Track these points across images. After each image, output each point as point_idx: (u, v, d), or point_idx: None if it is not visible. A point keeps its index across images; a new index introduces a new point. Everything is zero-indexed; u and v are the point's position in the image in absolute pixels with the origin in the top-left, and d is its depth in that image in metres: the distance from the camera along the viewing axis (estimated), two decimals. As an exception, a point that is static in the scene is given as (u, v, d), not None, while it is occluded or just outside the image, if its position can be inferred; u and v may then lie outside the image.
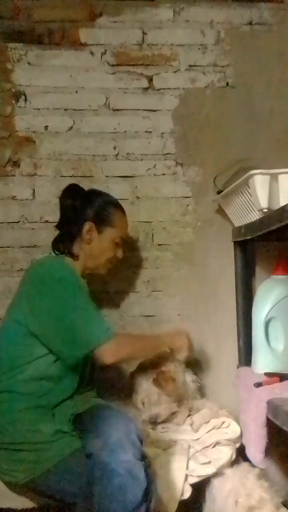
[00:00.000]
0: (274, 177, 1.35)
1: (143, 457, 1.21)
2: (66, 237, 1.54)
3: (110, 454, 1.15)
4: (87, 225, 1.51)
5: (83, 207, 1.53)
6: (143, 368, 1.53)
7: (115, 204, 1.57)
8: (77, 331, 1.32)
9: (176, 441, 1.39)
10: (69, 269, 1.44)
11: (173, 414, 1.47)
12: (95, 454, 1.17)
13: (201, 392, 1.67)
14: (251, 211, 1.48)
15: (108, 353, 1.32)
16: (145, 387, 1.48)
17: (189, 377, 1.57)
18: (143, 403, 1.47)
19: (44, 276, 1.40)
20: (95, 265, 1.55)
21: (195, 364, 1.74)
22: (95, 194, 1.57)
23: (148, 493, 1.16)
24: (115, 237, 1.54)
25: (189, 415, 1.49)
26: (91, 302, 1.41)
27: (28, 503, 1.32)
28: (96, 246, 1.52)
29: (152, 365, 1.51)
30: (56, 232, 1.61)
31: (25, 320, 1.36)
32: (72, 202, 1.54)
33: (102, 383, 1.60)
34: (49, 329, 1.34)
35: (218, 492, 1.32)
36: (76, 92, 1.78)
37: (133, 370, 1.55)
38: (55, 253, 1.54)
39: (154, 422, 1.46)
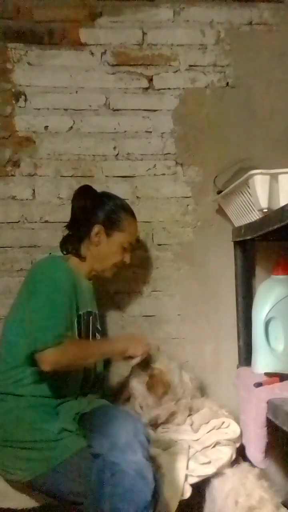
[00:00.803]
0: (274, 177, 1.35)
1: (151, 457, 1.22)
2: (74, 237, 1.54)
3: (120, 454, 1.16)
4: (96, 228, 1.50)
5: (93, 209, 1.52)
6: (138, 372, 1.52)
7: (126, 209, 1.56)
8: (33, 328, 1.31)
9: (176, 441, 1.39)
10: (64, 270, 1.43)
11: (173, 414, 1.47)
12: (104, 455, 1.17)
13: (201, 392, 1.67)
14: (251, 211, 1.48)
15: (46, 359, 1.28)
16: (141, 391, 1.49)
17: (187, 376, 1.57)
18: (141, 407, 1.47)
19: (38, 276, 1.42)
20: (101, 268, 1.54)
21: (195, 364, 1.75)
22: (106, 197, 1.57)
23: (155, 493, 1.16)
24: (124, 241, 1.54)
25: (189, 415, 1.49)
26: (64, 306, 1.36)
27: (28, 503, 1.32)
28: (104, 249, 1.52)
29: (144, 367, 1.51)
30: (57, 233, 1.61)
31: (24, 318, 1.36)
32: (83, 203, 1.53)
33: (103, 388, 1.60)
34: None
35: (218, 492, 1.32)
36: (76, 92, 1.78)
37: (128, 375, 1.55)
38: (63, 253, 1.53)
39: (155, 424, 1.46)
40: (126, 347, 1.43)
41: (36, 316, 1.32)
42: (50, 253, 1.62)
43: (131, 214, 1.58)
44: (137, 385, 1.50)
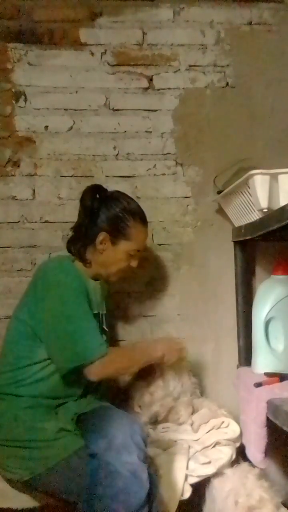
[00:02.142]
0: (274, 177, 1.35)
1: (147, 458, 1.21)
2: (79, 241, 1.47)
3: (115, 455, 1.15)
4: (101, 236, 1.44)
5: (99, 214, 1.45)
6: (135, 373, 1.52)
7: (135, 214, 1.47)
8: (69, 342, 1.31)
9: (176, 441, 1.39)
10: (74, 274, 1.40)
11: (176, 413, 1.47)
12: (99, 455, 1.17)
13: (201, 392, 1.67)
14: (251, 211, 1.48)
15: (94, 371, 1.30)
16: (138, 389, 1.49)
17: (187, 376, 1.57)
18: (139, 406, 1.47)
19: (47, 280, 1.37)
20: (106, 273, 1.49)
21: (195, 364, 1.74)
22: (114, 200, 1.47)
23: (150, 494, 1.16)
24: (130, 250, 1.46)
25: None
26: (89, 312, 1.36)
27: (28, 503, 1.32)
28: (109, 257, 1.46)
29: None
30: (57, 233, 1.60)
31: (31, 322, 1.36)
32: (89, 206, 1.45)
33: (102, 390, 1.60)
34: (48, 335, 1.34)
35: (218, 492, 1.32)
36: (76, 92, 1.78)
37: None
38: (70, 252, 1.48)
39: (155, 421, 1.46)
40: (164, 353, 1.43)
41: (69, 329, 1.30)
42: (50, 253, 1.61)
43: (141, 219, 1.48)
44: (135, 384, 1.51)
